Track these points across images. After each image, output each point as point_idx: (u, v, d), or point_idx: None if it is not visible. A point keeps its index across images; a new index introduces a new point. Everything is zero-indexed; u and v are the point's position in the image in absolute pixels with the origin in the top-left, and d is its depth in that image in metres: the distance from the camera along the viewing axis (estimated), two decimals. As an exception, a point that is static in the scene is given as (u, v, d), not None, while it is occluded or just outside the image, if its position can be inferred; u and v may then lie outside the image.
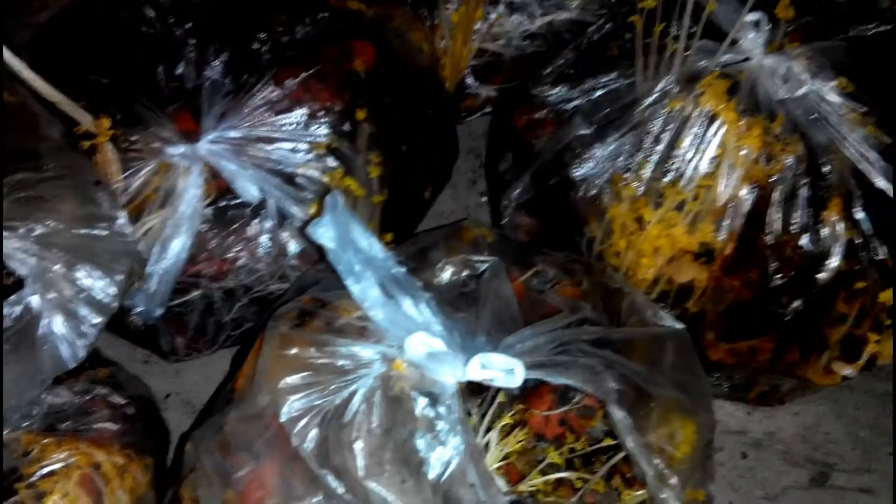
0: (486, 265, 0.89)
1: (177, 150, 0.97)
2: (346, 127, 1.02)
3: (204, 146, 0.98)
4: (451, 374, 0.73)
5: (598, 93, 1.01)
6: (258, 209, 1.01)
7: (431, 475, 0.68)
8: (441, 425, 0.70)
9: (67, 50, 1.05)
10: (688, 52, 0.93)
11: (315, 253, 1.03)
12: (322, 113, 1.01)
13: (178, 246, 0.98)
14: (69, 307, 0.74)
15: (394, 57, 1.09)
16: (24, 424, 0.77)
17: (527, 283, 0.88)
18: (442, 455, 0.69)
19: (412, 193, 1.14)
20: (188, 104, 1.02)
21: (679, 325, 0.84)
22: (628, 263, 0.93)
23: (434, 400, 0.71)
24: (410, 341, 0.72)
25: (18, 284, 0.72)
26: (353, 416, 0.70)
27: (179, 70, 1.03)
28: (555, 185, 1.01)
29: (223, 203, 1.02)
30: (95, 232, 0.76)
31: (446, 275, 0.90)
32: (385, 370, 0.73)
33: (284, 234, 1.02)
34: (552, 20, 1.25)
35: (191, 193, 0.98)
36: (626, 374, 0.75)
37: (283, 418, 0.72)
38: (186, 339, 1.10)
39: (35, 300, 0.72)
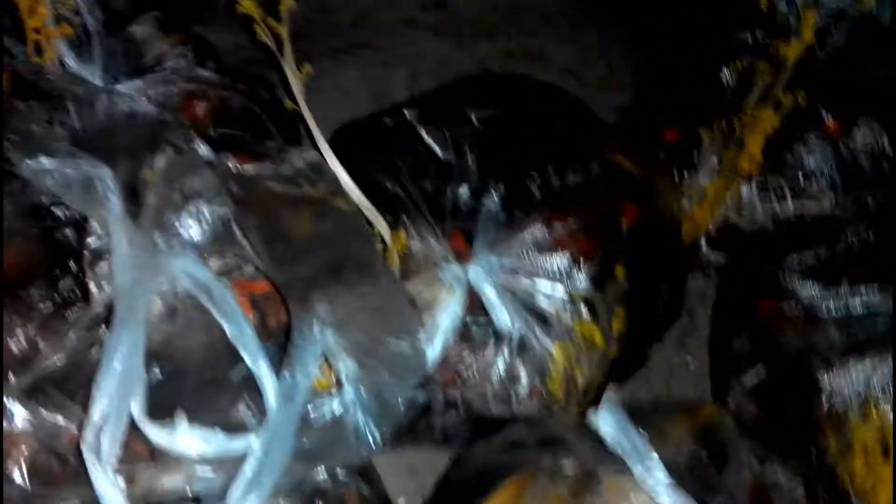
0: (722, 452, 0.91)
1: (450, 269, 1.04)
2: (604, 280, 1.07)
3: (473, 269, 1.05)
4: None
5: (856, 303, 1.03)
6: (501, 335, 1.07)
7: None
8: None
9: (366, 155, 1.15)
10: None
11: (542, 390, 1.07)
12: (583, 262, 1.07)
13: (429, 354, 1.04)
14: (367, 406, 0.81)
15: (654, 219, 1.15)
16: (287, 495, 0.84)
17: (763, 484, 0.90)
18: None
19: (639, 348, 1.17)
20: (463, 225, 1.10)
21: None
22: (864, 487, 0.94)
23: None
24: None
25: (339, 383, 0.80)
26: None
27: (462, 193, 1.11)
28: (796, 386, 1.02)
29: (470, 320, 1.08)
30: (400, 345, 0.84)
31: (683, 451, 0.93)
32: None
33: (520, 364, 1.08)
34: (803, 209, 1.28)
35: (452, 309, 1.05)
36: None
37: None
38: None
39: (348, 397, 0.81)
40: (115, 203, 0.84)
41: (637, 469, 0.77)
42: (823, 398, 0.99)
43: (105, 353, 0.77)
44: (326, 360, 0.84)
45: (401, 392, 0.83)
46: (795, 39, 1.08)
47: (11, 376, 0.88)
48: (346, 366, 0.81)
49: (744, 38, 1.23)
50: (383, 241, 1.05)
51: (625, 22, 1.65)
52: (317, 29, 1.60)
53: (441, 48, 1.63)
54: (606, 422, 0.78)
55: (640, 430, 0.88)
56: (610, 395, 0.88)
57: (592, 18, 1.67)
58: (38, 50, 1.17)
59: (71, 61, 1.22)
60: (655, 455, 0.77)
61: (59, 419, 0.87)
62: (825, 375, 0.99)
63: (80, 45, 1.25)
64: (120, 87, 1.24)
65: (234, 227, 0.85)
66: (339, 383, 0.83)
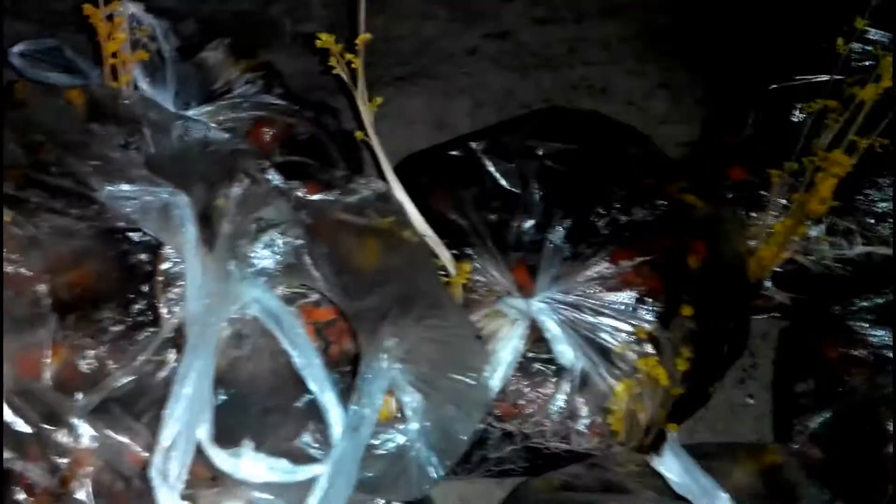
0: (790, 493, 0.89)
1: (514, 303, 1.04)
2: (670, 318, 1.05)
3: (536, 304, 1.05)
4: None
5: (931, 352, 1.00)
6: (562, 370, 1.06)
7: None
8: None
9: (431, 186, 1.15)
10: None
11: (602, 427, 1.06)
12: (650, 300, 1.06)
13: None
14: (431, 440, 0.81)
15: (722, 258, 1.13)
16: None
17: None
18: None
19: (701, 388, 1.15)
20: (527, 258, 1.10)
21: None
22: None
23: None
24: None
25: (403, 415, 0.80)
26: None
27: (527, 226, 1.11)
28: (862, 432, 1.00)
29: (532, 354, 1.07)
30: (466, 380, 0.83)
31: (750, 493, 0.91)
32: None
33: (580, 400, 1.06)
34: (871, 252, 1.25)
35: (514, 344, 1.04)
36: None
37: None
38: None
39: (413, 430, 0.80)
40: (191, 230, 0.85)
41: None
42: (890, 445, 0.96)
43: (176, 378, 0.78)
44: (392, 391, 0.84)
45: (465, 427, 0.83)
46: (872, 83, 1.06)
47: (79, 395, 0.89)
48: (411, 398, 0.81)
49: (818, 80, 1.21)
50: (447, 272, 1.04)
51: (690, 56, 1.64)
52: (380, 57, 1.62)
53: (504, 79, 1.64)
54: (671, 467, 0.76)
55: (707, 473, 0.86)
56: (673, 438, 0.86)
57: (657, 51, 1.66)
58: (115, 74, 1.20)
59: (145, 86, 1.25)
60: (726, 496, 0.75)
61: (125, 440, 0.89)
62: (892, 422, 0.96)
63: (154, 70, 1.27)
64: (191, 113, 1.26)
65: (306, 258, 0.86)
66: (403, 416, 0.82)
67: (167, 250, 0.90)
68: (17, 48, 1.32)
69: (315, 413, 0.83)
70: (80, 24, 1.38)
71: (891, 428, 0.98)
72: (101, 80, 1.24)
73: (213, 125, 1.17)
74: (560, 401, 1.07)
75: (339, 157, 1.35)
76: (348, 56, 0.98)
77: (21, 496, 0.88)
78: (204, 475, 0.87)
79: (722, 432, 1.26)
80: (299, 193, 0.99)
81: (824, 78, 1.24)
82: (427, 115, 1.60)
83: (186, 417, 0.77)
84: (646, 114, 1.60)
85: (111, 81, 1.20)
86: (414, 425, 0.81)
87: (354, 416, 0.78)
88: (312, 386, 0.81)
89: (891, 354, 1.04)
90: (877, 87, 1.07)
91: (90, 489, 0.87)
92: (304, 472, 0.79)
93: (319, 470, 0.78)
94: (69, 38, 1.42)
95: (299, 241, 0.87)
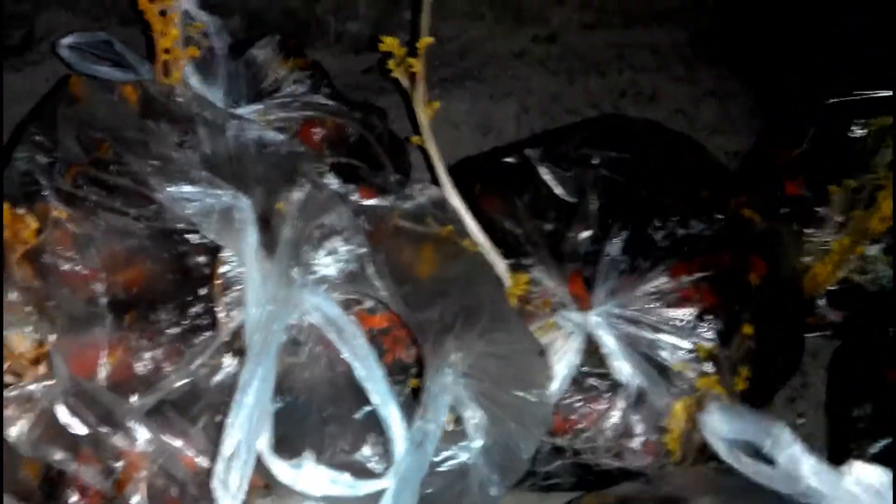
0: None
1: (570, 316, 1.02)
2: (730, 336, 1.03)
3: (593, 318, 1.03)
4: None
5: None
6: (618, 386, 1.04)
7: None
8: None
9: (484, 193, 1.13)
10: None
11: (657, 445, 1.04)
12: (710, 317, 1.03)
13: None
14: (494, 458, 0.80)
15: (779, 276, 1.11)
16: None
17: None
18: None
19: (757, 407, 1.13)
20: (582, 270, 1.08)
21: None
22: None
23: None
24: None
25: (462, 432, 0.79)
26: None
27: (583, 237, 1.09)
28: (926, 459, 0.97)
29: (586, 369, 1.05)
30: (529, 396, 0.82)
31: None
32: None
33: (636, 418, 1.04)
34: (930, 272, 1.23)
35: (570, 357, 1.02)
36: None
37: None
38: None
39: (475, 446, 0.79)
40: (253, 234, 0.84)
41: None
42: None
43: (238, 387, 0.77)
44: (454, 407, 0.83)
45: (527, 445, 0.81)
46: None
47: (134, 396, 0.88)
48: (474, 415, 0.80)
49: (878, 95, 1.19)
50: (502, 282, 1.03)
51: (740, 64, 1.61)
52: (426, 58, 1.60)
53: (551, 83, 1.61)
54: (721, 422, 0.73)
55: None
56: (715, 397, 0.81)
57: (707, 58, 1.63)
58: (166, 70, 1.19)
59: (196, 83, 1.24)
60: (781, 423, 0.73)
61: (180, 444, 0.87)
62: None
63: (205, 66, 1.26)
64: (241, 111, 1.25)
65: (369, 266, 0.84)
66: (466, 432, 0.81)
67: (226, 253, 0.89)
68: (66, 40, 1.30)
69: (374, 425, 0.82)
70: (129, 17, 1.37)
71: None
72: (151, 75, 1.23)
73: (267, 126, 1.15)
74: (614, 417, 1.05)
75: (386, 160, 1.33)
76: (410, 60, 0.96)
77: (74, 498, 0.87)
78: (257, 483, 0.86)
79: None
80: (354, 198, 0.98)
81: (885, 93, 1.22)
82: (473, 119, 1.58)
83: (247, 427, 0.76)
84: (694, 122, 1.57)
85: (162, 77, 1.19)
86: (477, 443, 0.79)
87: (419, 432, 0.77)
88: (375, 398, 0.79)
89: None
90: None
91: (144, 493, 0.86)
92: (366, 487, 0.77)
93: (383, 485, 0.77)
94: (117, 31, 1.41)
95: (362, 250, 0.85)
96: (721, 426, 0.73)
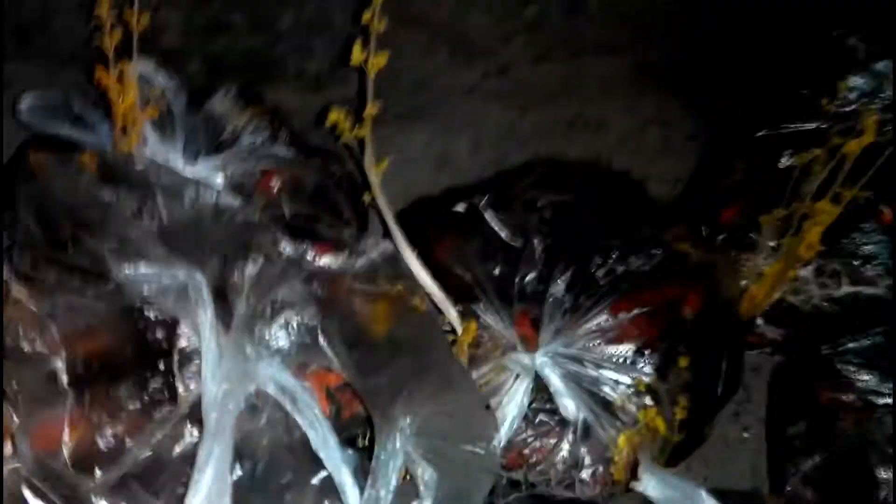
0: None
1: (518, 358, 1.08)
2: (667, 369, 1.10)
3: (540, 358, 1.09)
4: None
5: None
6: (566, 421, 1.11)
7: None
8: None
9: (434, 237, 1.19)
10: None
11: (605, 475, 1.11)
12: (648, 352, 1.10)
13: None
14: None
15: (715, 304, 1.17)
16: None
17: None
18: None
19: (698, 431, 1.20)
20: (530, 311, 1.14)
21: None
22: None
23: None
24: None
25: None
26: None
27: (529, 279, 1.16)
28: (853, 477, 1.04)
29: (537, 405, 1.12)
30: (477, 449, 0.88)
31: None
32: None
33: (584, 450, 1.11)
34: (858, 292, 1.30)
35: (518, 399, 1.09)
36: None
37: None
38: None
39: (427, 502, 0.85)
40: (208, 310, 0.89)
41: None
42: (880, 491, 1.01)
43: (196, 466, 0.81)
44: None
45: (477, 496, 0.87)
46: (856, 138, 1.10)
47: (98, 472, 0.91)
48: (424, 471, 0.85)
49: (805, 129, 1.26)
50: (453, 330, 1.09)
51: (682, 91, 1.67)
52: (378, 93, 1.64)
53: (503, 116, 1.66)
54: (651, 484, 0.81)
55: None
56: (645, 459, 0.90)
57: (651, 87, 1.69)
58: (125, 130, 1.23)
59: (154, 141, 1.28)
60: (706, 493, 0.81)
61: (145, 517, 0.91)
62: (884, 471, 1.01)
63: (164, 125, 1.30)
64: (200, 165, 1.30)
65: (320, 336, 0.90)
66: (416, 491, 0.86)
67: (183, 328, 0.94)
68: (24, 103, 1.33)
69: (331, 490, 0.87)
70: (88, 64, 1.39)
71: (881, 474, 1.02)
72: (110, 134, 1.27)
73: (225, 187, 1.20)
74: (564, 451, 1.11)
75: (346, 205, 1.38)
76: (356, 131, 1.01)
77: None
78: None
79: (717, 467, 1.30)
80: (309, 257, 1.03)
81: (811, 126, 1.29)
82: (429, 153, 1.62)
83: (209, 501, 0.81)
84: (639, 149, 1.63)
85: (121, 137, 1.23)
86: (427, 499, 0.85)
87: (371, 499, 0.82)
88: (330, 466, 0.84)
89: (878, 400, 1.08)
90: (860, 142, 1.11)
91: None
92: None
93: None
94: (76, 79, 1.41)
95: (314, 322, 0.90)
96: (653, 493, 0.81)
